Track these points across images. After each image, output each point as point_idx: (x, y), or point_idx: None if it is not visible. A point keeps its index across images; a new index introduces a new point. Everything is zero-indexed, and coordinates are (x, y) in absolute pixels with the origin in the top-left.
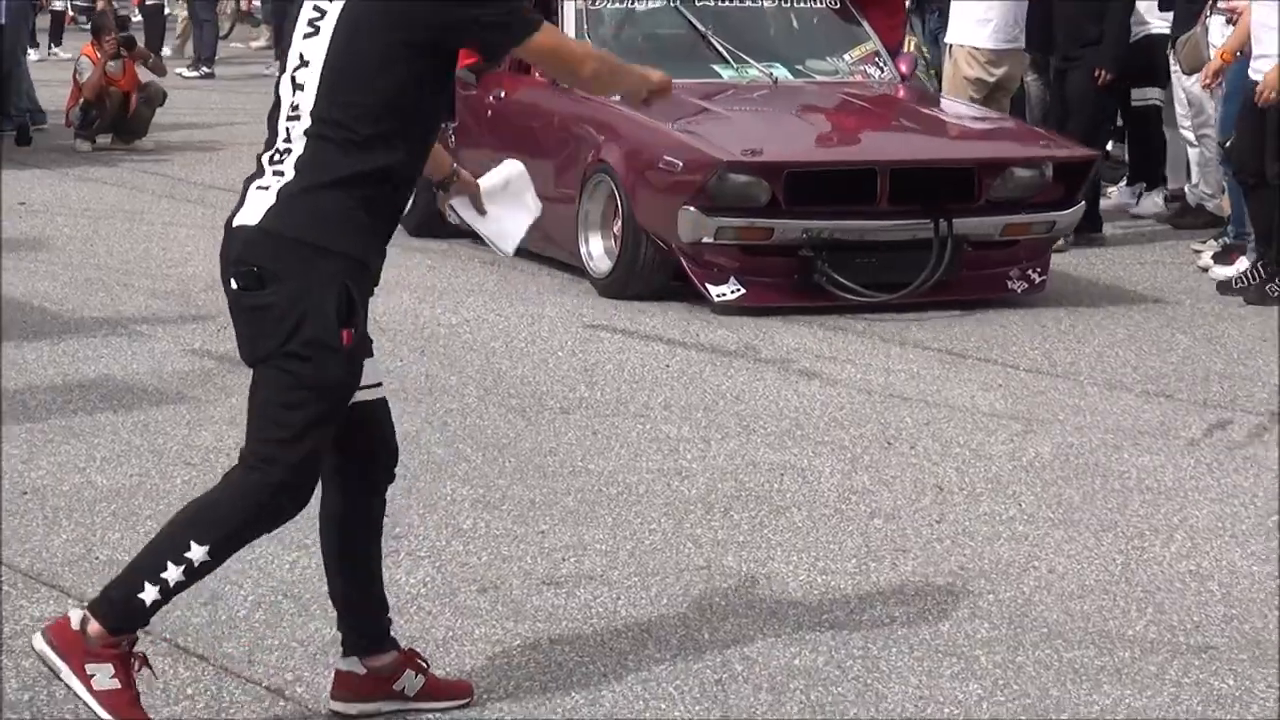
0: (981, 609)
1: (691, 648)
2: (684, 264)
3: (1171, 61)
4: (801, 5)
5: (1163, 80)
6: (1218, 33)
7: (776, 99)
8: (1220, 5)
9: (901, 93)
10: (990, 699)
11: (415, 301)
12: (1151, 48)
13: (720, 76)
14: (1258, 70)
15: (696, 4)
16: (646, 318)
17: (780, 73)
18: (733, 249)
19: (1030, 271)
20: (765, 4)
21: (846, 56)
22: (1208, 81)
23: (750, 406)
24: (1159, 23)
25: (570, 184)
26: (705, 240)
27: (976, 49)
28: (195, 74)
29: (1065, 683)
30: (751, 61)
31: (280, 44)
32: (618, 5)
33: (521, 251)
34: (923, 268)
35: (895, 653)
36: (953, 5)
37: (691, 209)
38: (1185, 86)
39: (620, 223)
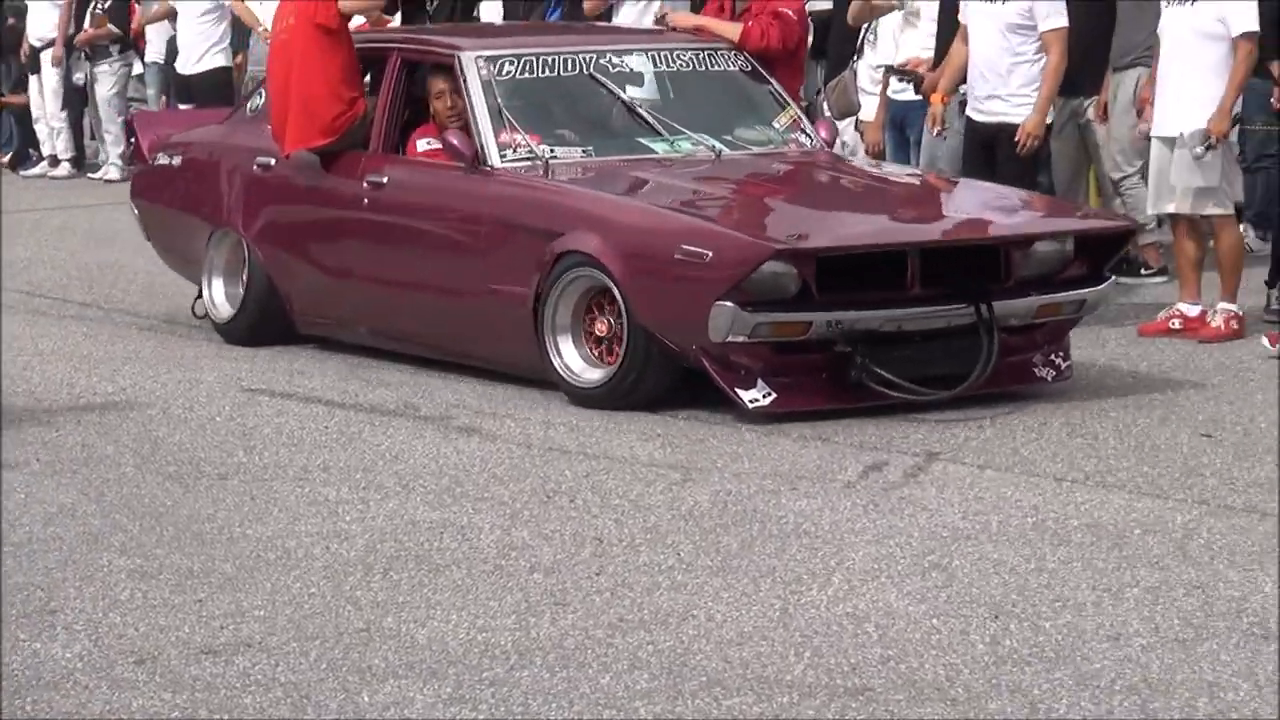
0: (641, 659)
1: (352, 712)
2: (708, 367)
3: (825, 107)
4: (716, 69)
5: None
6: (866, 77)
7: (731, 174)
8: (896, 66)
9: (850, 162)
10: None
11: (71, 370)
12: None
13: (652, 150)
14: (988, 112)
15: (612, 71)
16: (305, 379)
17: (717, 144)
18: (761, 347)
19: (1054, 357)
20: (679, 69)
21: (775, 124)
22: (937, 129)
23: (409, 465)
24: None
25: (518, 281)
26: (734, 339)
27: None
28: None
29: None
30: (686, 132)
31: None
32: (528, 75)
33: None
34: (958, 357)
35: (555, 708)
36: None
37: (729, 305)
38: (839, 129)
39: (611, 324)
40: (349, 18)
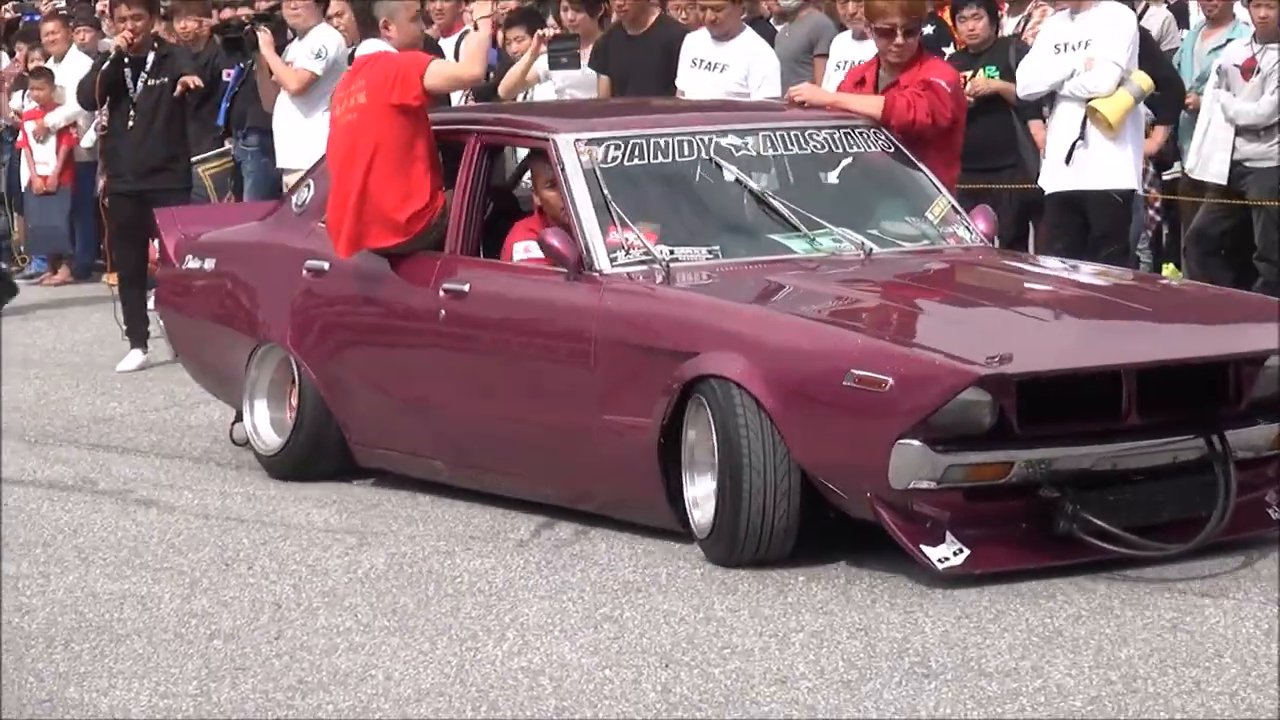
0: None
1: None
2: (886, 519)
3: None
4: (856, 150)
5: None
6: None
7: (890, 278)
8: None
9: (1042, 260)
10: None
11: None
12: None
13: (790, 249)
14: None
15: (735, 155)
16: None
17: (862, 241)
18: (951, 494)
19: None
20: (812, 150)
21: (930, 215)
22: None
23: (89, 538)
24: None
25: (638, 410)
26: (919, 485)
27: None
28: None
29: None
30: (829, 227)
31: None
32: (638, 162)
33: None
34: (1186, 499)
35: None
36: None
37: (915, 444)
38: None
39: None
40: (436, 98)
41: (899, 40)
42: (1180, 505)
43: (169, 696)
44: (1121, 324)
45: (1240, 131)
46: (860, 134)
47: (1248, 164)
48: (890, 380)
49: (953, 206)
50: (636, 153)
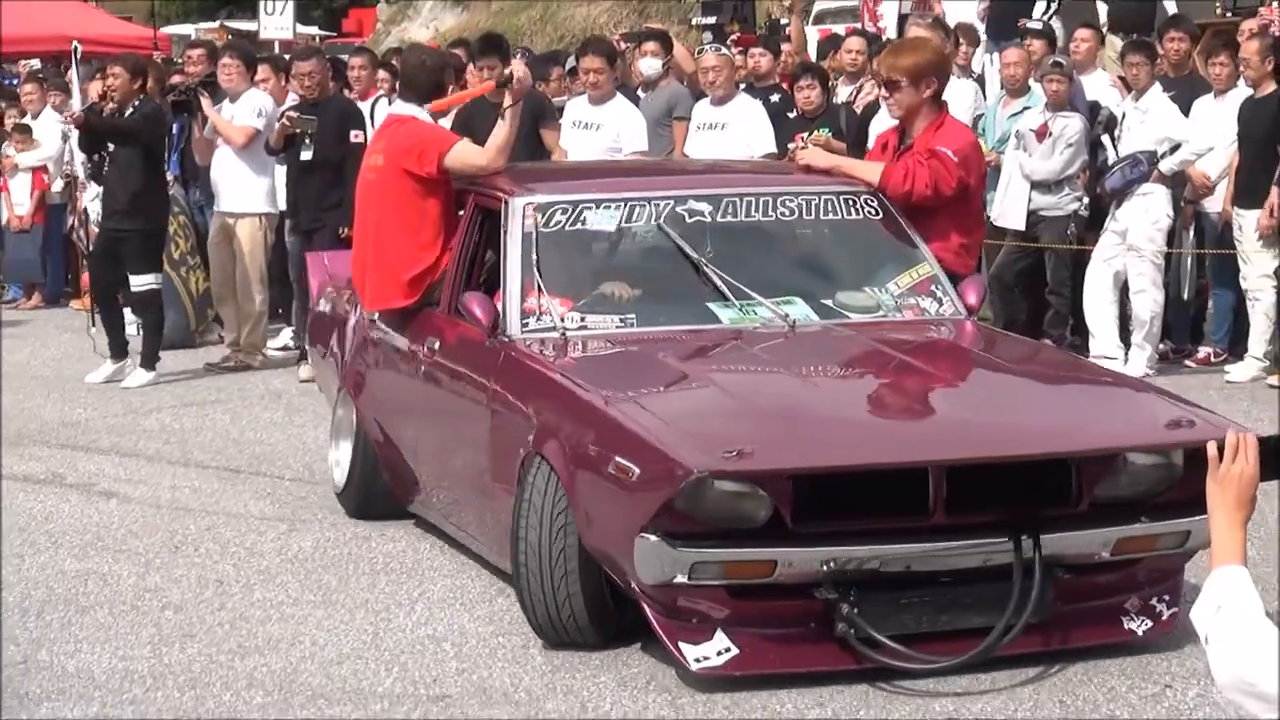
0: (257, 679)
1: None
2: (648, 612)
3: None
4: (831, 217)
5: None
6: None
7: (789, 354)
8: None
9: (966, 337)
10: None
11: None
12: None
13: (719, 320)
14: None
15: (688, 220)
16: None
17: (799, 312)
18: (718, 590)
19: (1155, 602)
20: (781, 216)
21: (892, 285)
22: None
23: (58, 525)
24: None
25: (505, 477)
26: (676, 580)
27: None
28: None
29: None
30: (759, 298)
31: None
32: (581, 228)
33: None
34: (993, 605)
35: None
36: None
37: (652, 538)
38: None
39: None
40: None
41: (885, 93)
42: (985, 611)
43: (127, 659)
44: (947, 407)
45: (1035, 186)
46: (844, 200)
47: (1042, 213)
48: (636, 470)
49: (928, 277)
50: (583, 218)
